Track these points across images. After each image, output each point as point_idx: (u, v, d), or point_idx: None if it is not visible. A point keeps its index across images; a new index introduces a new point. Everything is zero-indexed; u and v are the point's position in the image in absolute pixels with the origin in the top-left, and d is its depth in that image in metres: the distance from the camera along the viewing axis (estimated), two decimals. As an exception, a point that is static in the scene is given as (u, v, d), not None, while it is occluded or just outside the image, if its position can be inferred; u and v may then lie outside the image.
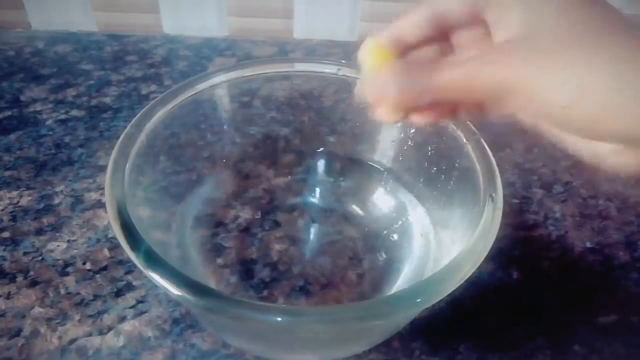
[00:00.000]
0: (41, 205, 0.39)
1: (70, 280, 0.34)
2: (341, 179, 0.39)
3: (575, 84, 0.17)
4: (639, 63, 0.17)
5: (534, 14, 0.19)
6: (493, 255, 0.25)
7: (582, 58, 0.18)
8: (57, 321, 0.32)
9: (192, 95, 0.33)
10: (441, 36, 0.24)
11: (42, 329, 0.32)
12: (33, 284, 0.34)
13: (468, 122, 0.31)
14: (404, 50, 0.24)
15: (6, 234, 0.37)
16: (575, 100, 0.17)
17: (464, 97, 0.21)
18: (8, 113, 0.48)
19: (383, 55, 0.23)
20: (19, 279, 0.34)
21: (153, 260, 0.23)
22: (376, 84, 0.21)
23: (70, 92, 0.51)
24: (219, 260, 0.34)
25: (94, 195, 0.40)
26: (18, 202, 0.40)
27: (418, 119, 0.24)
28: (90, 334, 0.31)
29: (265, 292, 0.33)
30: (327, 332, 0.25)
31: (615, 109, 0.17)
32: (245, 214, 0.36)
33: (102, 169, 0.43)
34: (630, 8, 0.57)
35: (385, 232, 0.36)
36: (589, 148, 0.20)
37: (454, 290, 0.23)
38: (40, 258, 0.36)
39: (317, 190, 0.38)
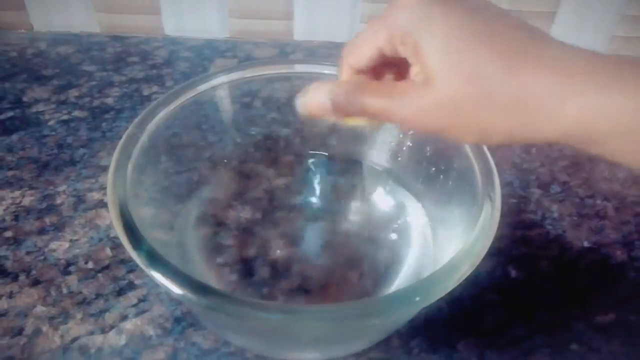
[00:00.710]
0: (43, 205, 0.40)
1: (72, 279, 0.35)
2: (341, 179, 0.39)
3: (479, 132, 0.21)
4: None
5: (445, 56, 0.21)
6: (491, 254, 0.25)
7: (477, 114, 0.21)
8: (59, 320, 0.32)
9: (193, 96, 0.33)
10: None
11: (44, 328, 0.32)
12: (35, 283, 0.34)
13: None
14: None
15: (9, 234, 0.37)
16: (482, 140, 0.22)
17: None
18: (11, 113, 0.48)
19: None
20: (22, 278, 0.35)
21: (155, 259, 0.23)
22: (315, 100, 0.25)
23: (73, 93, 0.51)
24: (220, 259, 0.34)
25: (96, 195, 0.41)
26: (21, 201, 0.40)
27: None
28: (92, 333, 0.32)
29: (265, 291, 0.33)
30: (326, 330, 0.25)
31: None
32: (246, 214, 0.37)
33: (104, 169, 0.43)
34: (631, 8, 0.57)
35: (384, 231, 0.36)
36: None
37: (452, 289, 0.23)
38: (42, 257, 0.36)
39: (317, 190, 0.39)
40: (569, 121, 0.19)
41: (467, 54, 0.20)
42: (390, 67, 0.26)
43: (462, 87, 0.20)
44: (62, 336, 0.32)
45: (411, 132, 0.36)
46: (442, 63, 0.21)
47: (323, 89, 0.24)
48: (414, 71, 0.23)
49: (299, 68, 0.37)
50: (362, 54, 0.24)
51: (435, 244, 0.33)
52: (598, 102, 0.19)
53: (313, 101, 0.25)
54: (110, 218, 0.25)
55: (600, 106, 0.19)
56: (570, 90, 0.19)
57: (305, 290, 0.33)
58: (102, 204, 0.40)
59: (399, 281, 0.32)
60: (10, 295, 0.33)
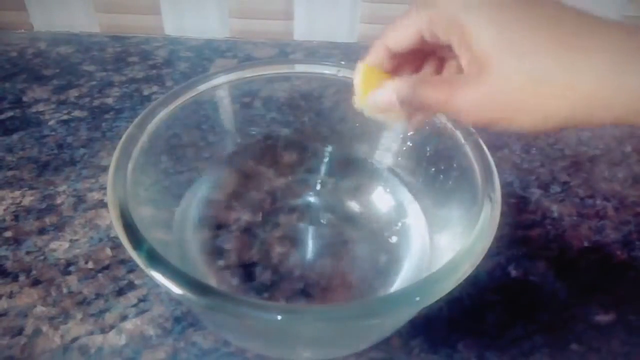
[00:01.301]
0: (43, 205, 0.40)
1: (72, 279, 0.35)
2: (341, 179, 0.39)
3: (540, 117, 0.21)
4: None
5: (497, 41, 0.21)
6: (491, 255, 0.25)
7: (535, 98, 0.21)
8: (60, 320, 0.32)
9: (193, 96, 0.33)
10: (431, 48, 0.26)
11: (45, 328, 0.32)
12: (35, 283, 0.34)
13: (466, 123, 0.31)
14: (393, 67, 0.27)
15: (9, 234, 0.37)
16: (542, 125, 0.21)
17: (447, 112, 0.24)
18: (11, 113, 0.48)
19: (374, 74, 0.27)
20: (22, 278, 0.35)
21: (155, 259, 0.23)
22: (383, 97, 0.25)
23: (73, 93, 0.51)
24: (220, 262, 0.34)
25: (96, 195, 0.41)
26: (21, 201, 0.40)
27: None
28: (92, 333, 0.32)
29: (266, 294, 0.33)
30: (326, 330, 0.25)
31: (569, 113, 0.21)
32: (246, 215, 0.37)
33: (105, 169, 0.43)
34: (631, 8, 0.57)
35: (384, 232, 0.36)
36: None
37: (452, 289, 0.23)
38: (42, 257, 0.36)
39: (318, 190, 0.39)
40: (627, 101, 0.19)
41: (521, 37, 0.20)
42: (429, 59, 0.26)
43: (520, 71, 0.20)
44: (62, 336, 0.32)
45: (411, 133, 0.36)
46: (496, 48, 0.21)
47: (389, 86, 0.25)
48: (464, 62, 0.23)
49: (299, 68, 0.37)
50: (401, 35, 0.24)
51: (435, 244, 0.33)
52: None
53: (382, 98, 0.25)
54: (110, 218, 0.25)
55: None
56: (626, 70, 0.19)
57: (305, 290, 0.33)
58: (102, 204, 0.40)
59: (399, 281, 0.32)
60: (11, 295, 0.33)
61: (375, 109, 0.27)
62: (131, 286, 0.34)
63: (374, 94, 0.26)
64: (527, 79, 0.20)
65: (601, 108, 0.20)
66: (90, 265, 0.36)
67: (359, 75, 0.27)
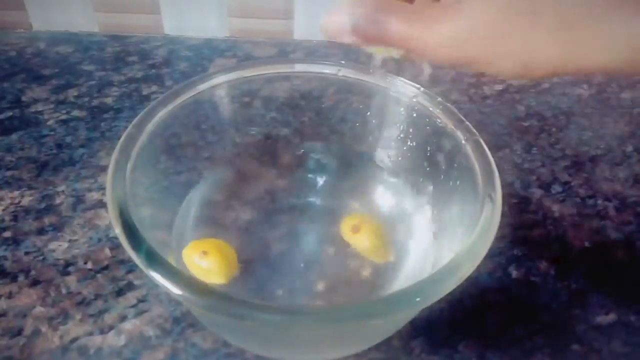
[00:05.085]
0: (42, 205, 0.39)
1: (71, 280, 0.34)
2: (341, 179, 0.39)
3: (519, 63, 0.19)
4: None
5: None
6: (492, 255, 0.25)
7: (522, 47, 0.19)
8: (59, 320, 0.32)
9: (192, 96, 0.33)
10: None
11: (44, 329, 0.32)
12: (34, 283, 0.34)
13: (467, 123, 0.31)
14: None
15: (8, 234, 0.37)
16: (523, 72, 0.19)
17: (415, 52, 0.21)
18: (10, 113, 0.48)
19: None
20: (21, 278, 0.34)
21: (154, 259, 0.23)
22: (334, 21, 0.22)
23: (72, 93, 0.51)
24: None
25: (95, 195, 0.40)
26: (19, 202, 0.40)
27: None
28: (91, 333, 0.32)
29: (264, 292, 0.33)
30: (326, 331, 0.25)
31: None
32: (246, 214, 0.36)
33: (104, 169, 0.43)
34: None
35: (384, 232, 0.36)
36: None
37: (453, 290, 0.23)
38: (41, 257, 0.36)
39: (317, 190, 0.39)
40: (617, 44, 0.17)
41: None
42: None
43: (501, 6, 0.18)
44: (61, 337, 0.31)
45: (412, 130, 0.35)
46: None
47: (344, 8, 0.22)
48: None
49: (299, 67, 0.37)
50: None
51: (436, 244, 0.33)
52: None
53: (332, 21, 0.22)
54: (110, 218, 0.25)
55: None
56: (622, 9, 0.17)
57: (305, 291, 0.33)
58: (102, 204, 0.40)
59: (400, 281, 0.32)
60: (9, 296, 0.33)
61: (326, 33, 0.23)
62: (130, 287, 0.34)
63: (326, 14, 0.22)
64: (508, 15, 0.18)
65: (588, 52, 0.18)
66: (89, 265, 0.35)
67: None
